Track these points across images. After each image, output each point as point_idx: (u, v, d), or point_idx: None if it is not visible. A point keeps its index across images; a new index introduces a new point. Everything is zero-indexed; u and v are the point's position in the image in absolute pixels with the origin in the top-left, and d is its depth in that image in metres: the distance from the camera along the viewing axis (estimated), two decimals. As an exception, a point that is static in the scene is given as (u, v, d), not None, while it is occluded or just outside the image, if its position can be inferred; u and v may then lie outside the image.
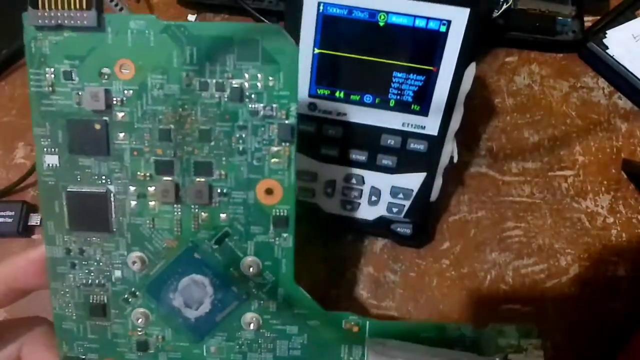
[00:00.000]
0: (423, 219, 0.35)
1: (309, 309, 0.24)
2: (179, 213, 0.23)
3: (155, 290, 0.24)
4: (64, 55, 0.21)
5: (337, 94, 0.31)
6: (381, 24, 0.28)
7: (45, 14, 0.21)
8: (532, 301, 0.35)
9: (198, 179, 0.22)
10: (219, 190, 0.23)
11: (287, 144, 0.22)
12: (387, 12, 0.28)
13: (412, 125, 0.31)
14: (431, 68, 0.29)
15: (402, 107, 0.30)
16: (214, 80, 0.21)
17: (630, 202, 0.38)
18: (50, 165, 0.22)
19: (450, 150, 0.32)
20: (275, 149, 0.22)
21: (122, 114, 0.22)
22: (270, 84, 0.21)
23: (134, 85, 0.22)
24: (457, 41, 0.28)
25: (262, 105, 0.22)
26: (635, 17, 0.41)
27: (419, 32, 0.28)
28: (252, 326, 0.24)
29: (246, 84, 0.21)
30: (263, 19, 0.40)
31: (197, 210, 0.23)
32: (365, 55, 0.29)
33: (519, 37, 0.41)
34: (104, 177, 0.22)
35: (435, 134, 0.31)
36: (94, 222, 0.23)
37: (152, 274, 0.24)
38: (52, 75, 0.21)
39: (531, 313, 0.35)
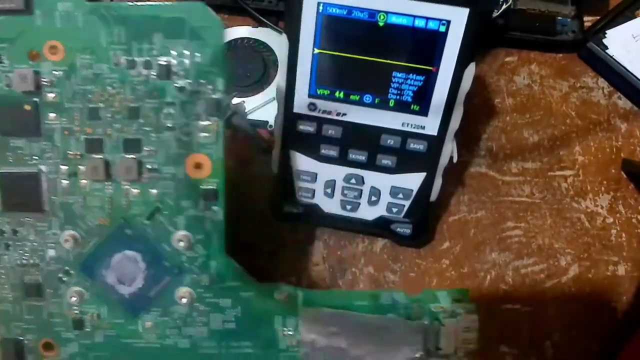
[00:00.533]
0: (423, 219, 0.35)
1: (242, 281, 0.25)
2: (110, 190, 0.23)
3: (89, 268, 0.24)
4: None
5: (336, 94, 0.31)
6: (381, 24, 0.28)
7: None
8: (532, 301, 0.35)
9: (127, 156, 0.23)
10: (148, 167, 0.23)
11: (215, 118, 0.23)
12: (387, 12, 0.28)
13: (411, 125, 0.31)
14: (431, 68, 0.29)
15: (402, 107, 0.30)
16: (142, 59, 0.22)
17: (630, 202, 0.38)
18: None
19: (450, 150, 0.32)
20: (203, 123, 0.23)
21: (52, 94, 0.23)
22: (197, 60, 0.22)
23: (64, 66, 0.22)
24: (457, 41, 0.28)
25: (189, 81, 0.22)
26: (635, 17, 0.41)
27: (419, 32, 0.28)
28: (185, 300, 0.24)
29: (173, 61, 0.22)
30: (263, 19, 0.40)
31: (127, 187, 0.23)
32: (364, 55, 0.29)
33: (519, 37, 0.41)
34: (35, 158, 0.23)
35: (435, 134, 0.31)
36: (27, 203, 0.23)
37: (85, 252, 0.24)
38: None
39: (531, 313, 0.35)
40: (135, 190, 0.24)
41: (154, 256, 0.24)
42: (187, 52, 0.22)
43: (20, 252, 0.24)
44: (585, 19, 0.42)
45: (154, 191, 0.24)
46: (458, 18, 0.27)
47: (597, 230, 0.37)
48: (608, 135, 0.40)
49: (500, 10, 0.39)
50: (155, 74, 0.22)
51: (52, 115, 0.23)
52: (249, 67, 0.40)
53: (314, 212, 0.35)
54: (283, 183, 0.34)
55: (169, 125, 0.23)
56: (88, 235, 0.24)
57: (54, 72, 0.22)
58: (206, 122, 0.23)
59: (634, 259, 0.36)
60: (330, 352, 0.25)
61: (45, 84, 0.22)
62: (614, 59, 0.40)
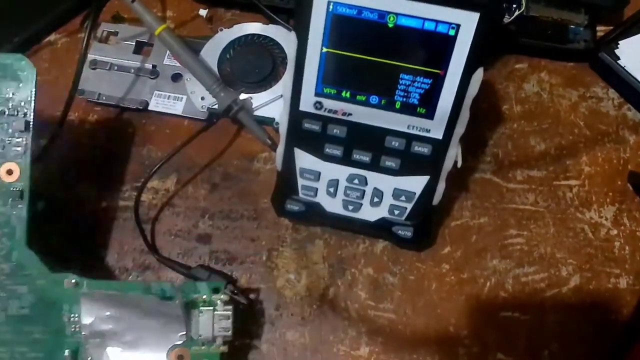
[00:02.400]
0: (424, 223, 0.35)
1: (38, 269, 0.29)
2: None
3: None
4: None
5: (343, 93, 0.31)
6: (390, 25, 0.28)
7: None
8: (531, 310, 0.35)
9: None
10: None
11: (25, 135, 0.30)
12: (397, 14, 0.28)
13: (417, 128, 0.31)
14: (438, 71, 0.29)
15: (408, 109, 0.30)
16: None
17: (635, 214, 0.37)
18: None
19: (454, 154, 0.32)
20: (16, 140, 0.30)
21: None
22: (12, 93, 0.30)
23: None
24: (466, 45, 0.28)
25: (7, 107, 0.30)
26: (648, 28, 0.41)
27: (428, 35, 0.28)
28: None
29: None
30: (274, 16, 0.41)
31: None
32: (373, 56, 0.29)
33: (530, 44, 0.41)
34: None
35: (440, 137, 0.31)
36: None
37: None
38: None
39: (530, 322, 0.35)
40: None
41: None
42: (7, 88, 0.30)
43: None
44: (598, 28, 0.42)
45: None
46: (468, 22, 0.27)
47: (600, 242, 0.37)
48: (616, 147, 0.39)
49: (513, 17, 0.39)
50: None
51: None
52: (258, 64, 0.40)
53: (316, 210, 0.35)
54: (286, 180, 0.34)
55: None
56: None
57: None
58: (18, 139, 0.30)
59: (636, 272, 0.36)
60: (107, 335, 0.29)
61: None
62: (626, 70, 0.40)
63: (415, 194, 0.33)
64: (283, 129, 0.33)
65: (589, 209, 0.37)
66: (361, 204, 0.34)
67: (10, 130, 0.30)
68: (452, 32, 0.28)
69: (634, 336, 0.34)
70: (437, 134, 0.31)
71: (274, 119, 0.39)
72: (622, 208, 0.37)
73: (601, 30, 0.42)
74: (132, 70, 0.41)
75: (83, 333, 0.29)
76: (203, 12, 0.42)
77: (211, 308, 0.30)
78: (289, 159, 0.33)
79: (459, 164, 0.32)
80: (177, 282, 0.32)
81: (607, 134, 0.40)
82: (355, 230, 0.36)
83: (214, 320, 0.29)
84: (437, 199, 0.33)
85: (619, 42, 0.41)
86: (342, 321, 0.34)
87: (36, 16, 0.42)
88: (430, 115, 0.30)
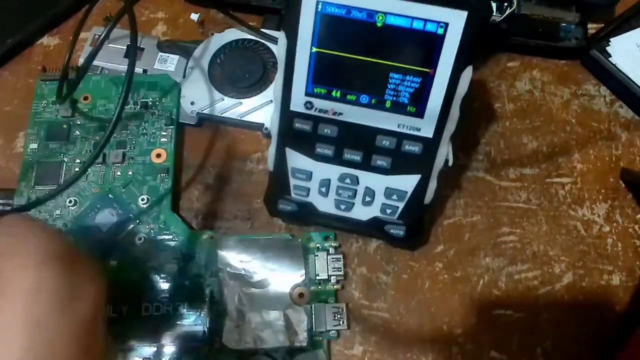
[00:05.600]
0: (417, 221, 0.35)
1: (181, 229, 0.36)
2: (104, 171, 0.37)
3: (80, 220, 0.36)
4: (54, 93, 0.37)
5: (333, 93, 0.31)
6: (379, 24, 0.28)
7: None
8: (525, 308, 0.35)
9: (118, 150, 0.37)
10: (129, 156, 0.37)
11: (170, 127, 0.38)
12: (385, 13, 0.28)
13: (407, 126, 0.31)
14: (428, 70, 0.29)
15: (398, 108, 0.30)
16: (133, 100, 0.39)
17: (628, 211, 0.37)
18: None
19: (445, 153, 0.32)
20: (164, 132, 0.38)
21: (79, 121, 0.39)
22: (163, 100, 0.39)
23: (89, 105, 0.39)
24: (454, 44, 0.28)
25: (157, 110, 0.39)
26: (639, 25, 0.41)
27: (417, 33, 0.28)
28: (141, 242, 0.35)
29: (150, 100, 0.39)
30: (257, 33, 0.40)
31: (114, 168, 0.37)
32: (362, 55, 0.29)
33: (522, 42, 0.41)
34: (62, 154, 0.38)
35: (430, 136, 0.31)
36: (50, 180, 0.36)
37: (80, 211, 0.36)
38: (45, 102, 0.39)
39: (523, 319, 0.35)
40: (119, 172, 0.37)
41: (125, 211, 0.36)
42: (157, 96, 0.39)
43: (38, 212, 0.36)
44: (589, 26, 0.42)
45: (130, 171, 0.37)
46: (456, 21, 0.27)
47: (593, 239, 0.37)
48: (608, 144, 0.39)
49: (504, 15, 0.39)
50: (139, 107, 0.39)
51: (77, 132, 0.38)
52: (249, 69, 0.40)
53: (308, 210, 0.35)
54: (278, 180, 0.34)
55: (144, 132, 0.38)
56: (85, 199, 0.36)
57: (84, 109, 0.39)
58: (165, 132, 0.38)
59: (629, 269, 0.36)
60: (240, 277, 0.34)
61: (77, 114, 0.39)
62: (617, 67, 0.40)
63: (406, 192, 0.33)
64: (274, 129, 0.33)
65: (581, 206, 0.38)
66: (353, 203, 0.34)
67: (159, 126, 0.38)
68: (440, 31, 0.28)
69: (627, 333, 0.34)
70: (428, 132, 0.31)
71: (263, 124, 0.38)
72: (614, 205, 0.38)
73: (592, 27, 0.42)
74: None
75: (220, 274, 0.34)
76: (194, 16, 0.42)
77: (325, 252, 0.35)
78: (280, 159, 0.33)
79: (450, 162, 0.32)
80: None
81: (599, 131, 0.40)
82: (348, 230, 0.36)
83: (328, 262, 0.34)
84: (429, 197, 0.33)
85: (610, 39, 0.41)
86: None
87: (29, 18, 0.43)
88: (420, 114, 0.30)
